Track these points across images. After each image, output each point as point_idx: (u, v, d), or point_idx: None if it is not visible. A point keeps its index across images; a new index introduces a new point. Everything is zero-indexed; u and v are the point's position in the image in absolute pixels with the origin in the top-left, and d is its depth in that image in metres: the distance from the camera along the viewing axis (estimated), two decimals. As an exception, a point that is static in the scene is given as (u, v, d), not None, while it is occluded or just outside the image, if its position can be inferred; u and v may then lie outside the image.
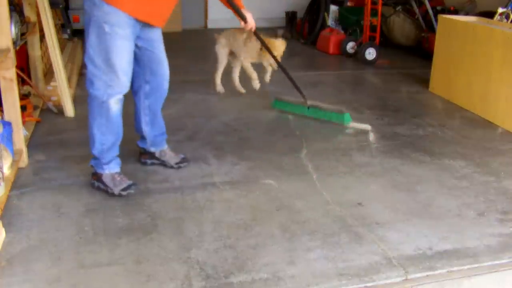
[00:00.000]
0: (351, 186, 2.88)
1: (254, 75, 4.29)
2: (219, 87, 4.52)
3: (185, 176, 2.94)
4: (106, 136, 2.67)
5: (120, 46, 2.51)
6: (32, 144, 3.26)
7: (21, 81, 3.79)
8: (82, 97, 4.31)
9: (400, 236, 2.38)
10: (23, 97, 3.65)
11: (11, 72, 2.86)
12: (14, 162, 2.78)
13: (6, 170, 2.61)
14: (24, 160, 2.98)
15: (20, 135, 2.96)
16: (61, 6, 4.39)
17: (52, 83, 4.02)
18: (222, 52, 4.43)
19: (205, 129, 3.68)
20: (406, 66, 5.84)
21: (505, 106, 3.84)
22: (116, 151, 2.76)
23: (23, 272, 2.05)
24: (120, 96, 2.61)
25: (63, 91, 3.82)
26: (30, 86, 3.89)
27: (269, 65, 4.21)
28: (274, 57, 3.89)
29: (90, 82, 2.58)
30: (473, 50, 4.18)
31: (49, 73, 4.32)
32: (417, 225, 2.49)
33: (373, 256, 2.22)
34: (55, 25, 4.03)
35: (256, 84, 4.30)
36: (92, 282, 2.02)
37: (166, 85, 2.88)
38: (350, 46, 6.15)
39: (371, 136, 3.61)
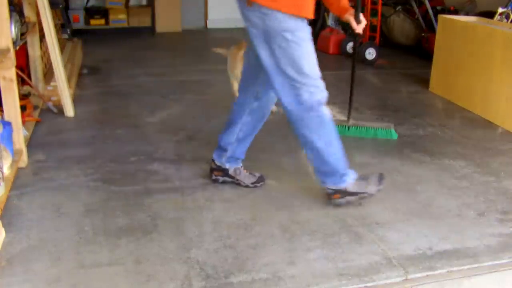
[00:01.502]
0: (351, 186, 2.87)
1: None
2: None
3: (185, 176, 2.94)
4: (333, 145, 2.50)
5: (307, 49, 2.36)
6: (32, 144, 3.26)
7: (21, 81, 3.79)
8: (82, 97, 4.34)
9: (400, 236, 2.38)
10: (23, 97, 3.65)
11: (11, 72, 2.86)
12: (14, 162, 2.78)
13: (6, 170, 2.61)
14: (24, 160, 2.98)
15: (20, 135, 2.96)
16: (61, 6, 4.39)
17: (52, 83, 4.02)
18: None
19: (205, 129, 3.68)
20: (406, 66, 5.84)
21: (505, 106, 3.84)
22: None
23: (23, 272, 2.05)
24: (325, 99, 2.43)
25: (63, 91, 3.81)
26: (30, 86, 3.88)
27: None
28: None
29: (295, 99, 2.38)
30: (473, 50, 4.18)
31: (49, 73, 4.32)
32: (417, 225, 2.49)
33: (373, 256, 2.22)
34: (55, 25, 4.03)
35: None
36: (92, 282, 2.02)
37: (271, 107, 2.74)
38: (350, 46, 6.15)
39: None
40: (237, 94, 3.43)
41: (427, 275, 2.13)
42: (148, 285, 2.01)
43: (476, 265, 2.20)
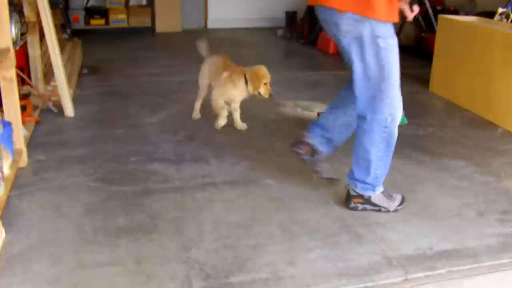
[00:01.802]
0: (351, 186, 2.87)
1: (224, 112, 3.66)
2: (195, 113, 3.92)
3: (185, 176, 2.94)
4: (382, 162, 2.50)
5: (395, 58, 2.35)
6: (32, 144, 3.26)
7: (21, 81, 3.79)
8: (82, 97, 4.34)
9: (400, 236, 2.38)
10: (23, 97, 3.65)
11: (11, 72, 2.86)
12: (14, 162, 2.77)
13: (6, 170, 2.61)
14: (24, 160, 2.98)
15: (20, 135, 2.96)
16: (61, 6, 4.39)
17: (52, 83, 4.03)
18: (202, 84, 3.87)
19: (205, 129, 3.68)
20: (406, 66, 5.79)
21: (506, 106, 3.84)
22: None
23: (23, 272, 2.05)
24: (400, 117, 2.44)
25: (63, 91, 3.82)
26: (30, 86, 3.89)
27: (259, 94, 3.51)
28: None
29: (372, 109, 2.39)
30: (473, 50, 4.18)
31: (49, 73, 4.32)
32: (417, 225, 2.49)
33: (373, 256, 2.22)
34: (55, 25, 4.03)
35: (220, 123, 3.67)
36: (92, 282, 2.02)
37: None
38: (350, 46, 6.14)
39: None
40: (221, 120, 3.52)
41: (427, 275, 2.13)
42: (148, 285, 2.01)
43: (476, 265, 2.20)
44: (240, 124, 3.71)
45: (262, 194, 2.75)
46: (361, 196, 2.57)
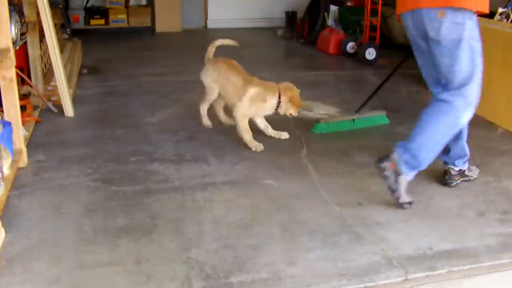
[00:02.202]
0: (351, 186, 2.87)
1: (273, 132, 3.55)
2: (206, 120, 3.69)
3: (185, 176, 2.94)
4: (438, 147, 2.60)
5: (480, 62, 2.48)
6: (32, 144, 3.26)
7: (21, 81, 3.79)
8: (82, 97, 4.33)
9: (400, 236, 2.38)
10: (23, 97, 3.65)
11: (11, 72, 2.86)
12: (14, 162, 2.78)
13: (6, 170, 2.61)
14: (24, 160, 2.98)
15: (20, 135, 2.96)
16: (61, 6, 4.39)
17: (52, 83, 4.03)
18: (210, 85, 3.52)
19: (205, 129, 3.67)
20: (406, 66, 5.79)
21: (506, 106, 3.84)
22: None
23: (23, 272, 2.05)
24: (471, 116, 2.60)
25: (63, 91, 3.82)
26: (30, 86, 3.89)
27: (290, 114, 3.39)
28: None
29: (457, 98, 2.54)
30: (473, 50, 4.17)
31: (49, 73, 4.32)
32: (417, 225, 2.49)
33: (373, 256, 2.22)
34: (55, 25, 4.03)
35: (285, 135, 3.57)
36: (92, 282, 2.02)
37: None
38: (350, 46, 6.15)
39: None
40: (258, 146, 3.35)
41: (427, 275, 2.13)
42: (148, 285, 2.01)
43: (476, 265, 2.20)
44: (275, 132, 3.56)
45: (262, 194, 2.75)
46: (398, 169, 2.57)
